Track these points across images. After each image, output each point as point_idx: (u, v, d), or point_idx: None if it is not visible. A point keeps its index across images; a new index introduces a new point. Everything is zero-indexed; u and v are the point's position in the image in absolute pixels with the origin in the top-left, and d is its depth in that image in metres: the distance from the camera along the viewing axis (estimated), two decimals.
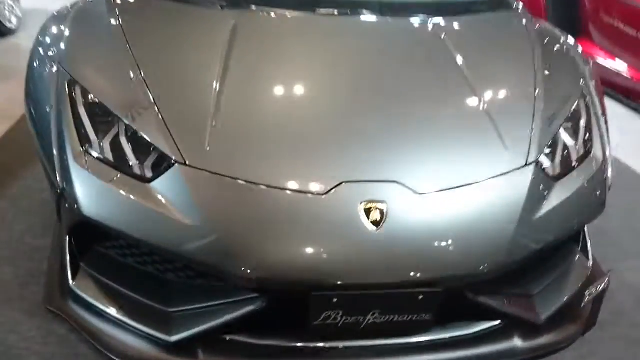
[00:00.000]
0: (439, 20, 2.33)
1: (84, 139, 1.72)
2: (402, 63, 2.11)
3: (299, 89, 1.96)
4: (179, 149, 1.65)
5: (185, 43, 2.04)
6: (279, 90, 1.93)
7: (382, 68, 2.07)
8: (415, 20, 2.34)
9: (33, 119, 1.92)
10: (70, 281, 1.78)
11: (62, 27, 2.12)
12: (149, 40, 2.03)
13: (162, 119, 1.71)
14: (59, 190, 1.71)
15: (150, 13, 2.20)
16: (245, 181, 1.61)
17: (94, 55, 1.98)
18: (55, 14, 2.29)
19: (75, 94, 1.81)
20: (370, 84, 1.99)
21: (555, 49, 2.35)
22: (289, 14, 2.24)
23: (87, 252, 1.82)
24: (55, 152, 1.74)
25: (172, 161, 1.63)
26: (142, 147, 1.70)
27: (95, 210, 1.62)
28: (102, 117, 1.77)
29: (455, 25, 2.34)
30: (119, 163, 1.67)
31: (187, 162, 1.63)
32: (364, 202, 1.61)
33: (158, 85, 1.82)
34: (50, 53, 2.02)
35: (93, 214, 1.62)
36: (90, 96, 1.80)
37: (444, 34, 2.24)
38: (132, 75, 1.84)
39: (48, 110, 1.82)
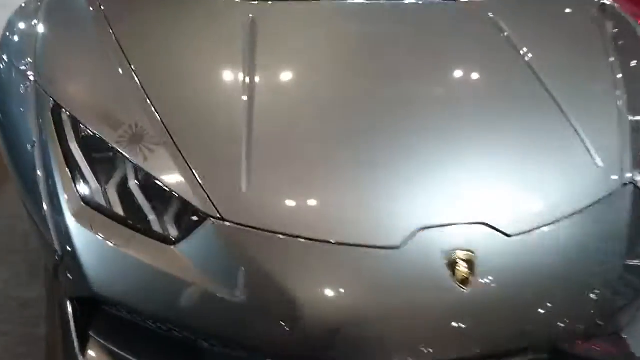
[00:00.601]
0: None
1: (83, 187, 1.34)
2: (456, 59, 1.72)
3: (345, 103, 1.55)
4: (209, 198, 1.28)
5: (194, 46, 1.63)
6: (323, 106, 1.53)
7: (434, 69, 1.68)
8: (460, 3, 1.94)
9: (10, 158, 1.51)
10: (80, 358, 1.45)
11: (33, 28, 1.68)
12: (148, 44, 1.61)
13: (182, 155, 1.34)
14: (56, 257, 1.33)
15: (142, 8, 1.76)
16: (302, 238, 1.26)
17: (80, 68, 1.56)
18: (23, 6, 1.84)
19: (62, 125, 1.41)
20: (427, 94, 1.61)
21: (627, 33, 1.98)
22: (314, 2, 1.82)
23: (97, 316, 1.47)
24: (46, 206, 1.35)
25: (202, 213, 1.28)
26: (159, 195, 1.32)
27: (109, 285, 1.26)
28: (102, 155, 1.37)
29: (509, 8, 1.91)
30: (133, 218, 1.30)
31: (223, 216, 1.27)
32: (448, 253, 1.30)
33: (169, 107, 1.43)
34: (20, 65, 1.60)
35: (106, 291, 1.26)
36: (83, 127, 1.40)
37: (496, 16, 1.84)
38: (132, 94, 1.44)
39: (29, 148, 1.42)
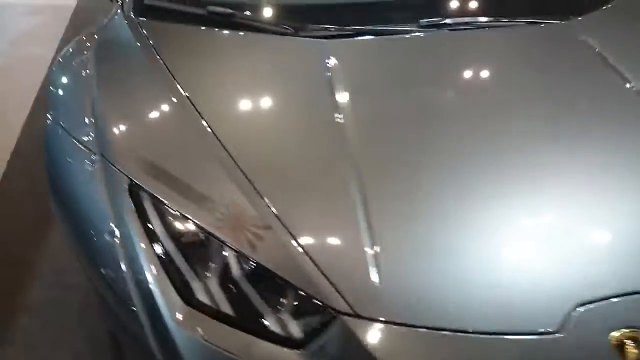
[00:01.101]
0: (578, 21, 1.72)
1: (181, 285, 1.14)
2: (558, 90, 1.51)
3: (458, 148, 1.33)
4: (337, 290, 1.09)
5: (274, 97, 1.43)
6: (436, 156, 1.31)
7: (537, 102, 1.46)
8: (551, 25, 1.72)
9: (81, 249, 1.29)
10: None
11: (85, 86, 1.47)
12: (221, 98, 1.41)
13: (295, 238, 1.14)
14: None
15: (204, 54, 1.55)
16: (448, 330, 1.07)
17: (155, 136, 1.35)
18: (67, 55, 1.62)
19: (144, 208, 1.21)
20: (540, 134, 1.38)
21: None
22: (397, 35, 1.61)
23: None
24: (138, 309, 1.14)
25: (330, 309, 1.08)
26: (273, 288, 1.12)
27: None
28: (196, 242, 1.17)
29: (600, 28, 1.72)
30: (246, 318, 1.10)
31: (357, 311, 1.08)
32: (612, 331, 1.13)
33: (267, 179, 1.23)
34: (79, 134, 1.38)
35: None
36: (169, 209, 1.20)
37: (588, 38, 1.66)
38: (220, 164, 1.24)
39: (108, 238, 1.22)
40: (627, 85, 1.53)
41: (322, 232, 1.17)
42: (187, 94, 1.39)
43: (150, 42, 1.55)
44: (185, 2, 1.72)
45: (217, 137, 1.28)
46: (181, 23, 1.65)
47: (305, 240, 1.14)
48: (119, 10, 1.75)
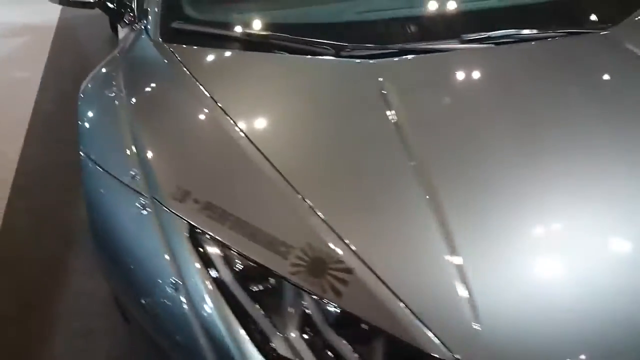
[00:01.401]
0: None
1: (260, 340, 1.03)
2: (619, 103, 1.44)
3: (530, 162, 1.24)
4: (438, 337, 1.00)
5: (335, 127, 1.32)
6: (515, 184, 1.21)
7: (601, 117, 1.38)
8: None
9: (137, 301, 1.17)
10: None
11: (120, 119, 1.36)
12: (273, 128, 1.33)
13: (384, 283, 1.04)
14: None
15: (245, 78, 1.45)
16: None
17: (211, 173, 1.23)
18: (86, 92, 1.50)
19: (208, 255, 1.10)
20: (608, 142, 1.31)
21: None
22: (442, 52, 1.52)
23: None
24: None
25: (430, 356, 0.99)
26: (359, 336, 1.02)
27: None
28: (272, 291, 1.07)
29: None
30: None
31: (460, 358, 1.01)
32: None
33: (345, 216, 1.13)
34: (124, 175, 1.25)
35: None
36: (240, 257, 1.08)
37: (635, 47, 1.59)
38: (293, 205, 1.14)
39: (171, 291, 1.10)
40: None
41: (409, 271, 1.08)
42: (240, 126, 1.29)
43: (188, 69, 1.44)
44: (216, 25, 1.63)
45: (281, 174, 1.18)
46: (215, 47, 1.55)
47: (393, 281, 1.05)
48: (142, 36, 1.64)
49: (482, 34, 1.57)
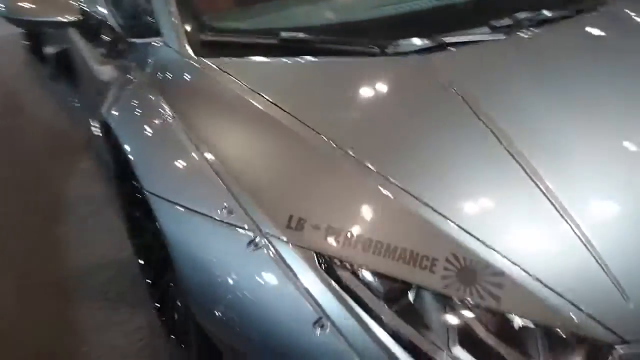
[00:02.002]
0: None
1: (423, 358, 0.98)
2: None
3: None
4: (598, 322, 0.99)
5: (420, 126, 1.26)
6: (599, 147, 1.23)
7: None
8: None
9: (273, 355, 1.06)
10: None
11: (191, 150, 1.21)
12: (377, 141, 1.22)
13: (532, 275, 1.01)
14: None
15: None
16: None
17: (320, 195, 1.12)
18: (119, 116, 1.33)
19: (348, 285, 1.01)
20: None
21: None
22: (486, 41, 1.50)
23: None
24: None
25: (601, 343, 0.98)
26: (522, 338, 1.00)
27: None
28: (422, 308, 1.02)
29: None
30: None
31: (627, 339, 0.98)
32: None
33: (475, 216, 1.09)
34: (213, 212, 1.11)
35: None
36: (377, 276, 1.01)
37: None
38: (420, 215, 1.07)
39: (319, 330, 0.98)
40: None
41: (552, 260, 1.06)
42: (330, 138, 1.19)
43: (244, 83, 1.31)
44: (251, 33, 1.50)
45: (397, 185, 1.11)
46: (254, 56, 1.42)
47: (542, 273, 1.03)
48: (167, 52, 1.48)
49: (514, 19, 1.58)
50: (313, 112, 1.27)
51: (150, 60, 1.55)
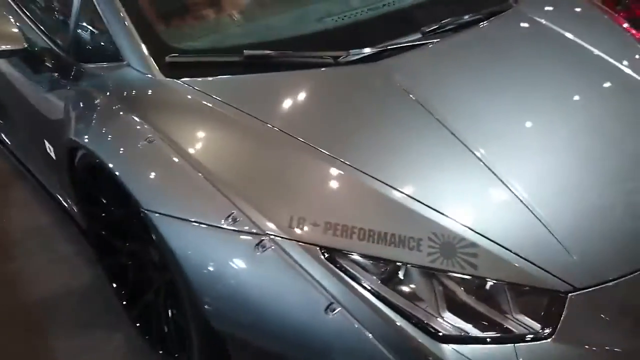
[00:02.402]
0: None
1: (424, 328, 1.14)
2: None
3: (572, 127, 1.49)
4: (554, 275, 1.22)
5: (386, 127, 1.43)
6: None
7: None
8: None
9: (294, 345, 1.19)
10: None
11: (186, 167, 1.30)
12: (359, 143, 1.39)
13: (497, 243, 1.22)
14: None
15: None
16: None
17: (306, 194, 1.27)
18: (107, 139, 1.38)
19: (350, 270, 1.17)
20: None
21: None
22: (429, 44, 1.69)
23: None
24: None
25: (557, 293, 1.21)
26: (495, 297, 1.20)
27: None
28: (417, 283, 1.18)
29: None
30: (495, 334, 1.16)
31: (577, 286, 1.22)
32: None
33: (448, 198, 1.29)
34: (219, 221, 1.22)
35: None
36: (381, 263, 1.18)
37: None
38: (402, 202, 1.25)
39: (334, 315, 1.13)
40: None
41: (509, 227, 1.27)
42: (313, 143, 1.34)
43: (222, 100, 1.43)
44: (216, 52, 1.61)
45: (376, 179, 1.28)
46: (220, 74, 1.54)
47: (505, 240, 1.24)
48: (135, 74, 1.55)
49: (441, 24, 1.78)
50: (288, 120, 1.42)
51: (114, 84, 1.61)
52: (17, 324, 1.95)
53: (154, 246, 1.48)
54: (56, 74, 1.87)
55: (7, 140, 2.73)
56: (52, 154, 2.01)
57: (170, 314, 1.59)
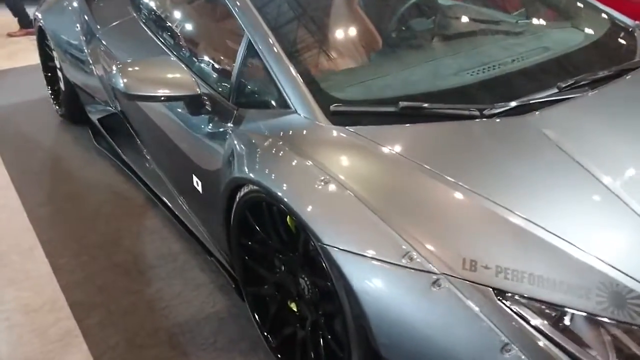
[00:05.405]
0: None
1: None
2: None
3: None
4: None
5: (539, 183, 1.50)
6: None
7: None
8: None
9: None
10: None
11: (366, 207, 1.44)
12: (518, 193, 1.48)
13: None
14: None
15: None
16: None
17: (478, 239, 1.36)
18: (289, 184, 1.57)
19: (522, 313, 1.25)
20: None
21: None
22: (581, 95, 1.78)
23: None
24: None
25: None
26: None
27: None
28: (583, 332, 1.25)
29: None
30: None
31: None
32: None
33: (608, 251, 1.34)
34: (398, 259, 1.34)
35: None
36: (546, 305, 1.26)
37: None
38: (563, 252, 1.32)
39: (508, 355, 1.22)
40: None
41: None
42: (482, 193, 1.44)
43: (389, 148, 1.58)
44: (376, 102, 1.77)
45: (545, 228, 1.36)
46: (380, 123, 1.68)
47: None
48: (305, 122, 1.72)
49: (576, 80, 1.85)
50: (456, 168, 1.51)
51: (281, 129, 1.77)
52: (162, 343, 2.11)
53: (318, 277, 1.61)
54: (215, 117, 2.06)
55: (138, 171, 2.99)
56: (199, 188, 2.21)
57: (322, 343, 1.69)
